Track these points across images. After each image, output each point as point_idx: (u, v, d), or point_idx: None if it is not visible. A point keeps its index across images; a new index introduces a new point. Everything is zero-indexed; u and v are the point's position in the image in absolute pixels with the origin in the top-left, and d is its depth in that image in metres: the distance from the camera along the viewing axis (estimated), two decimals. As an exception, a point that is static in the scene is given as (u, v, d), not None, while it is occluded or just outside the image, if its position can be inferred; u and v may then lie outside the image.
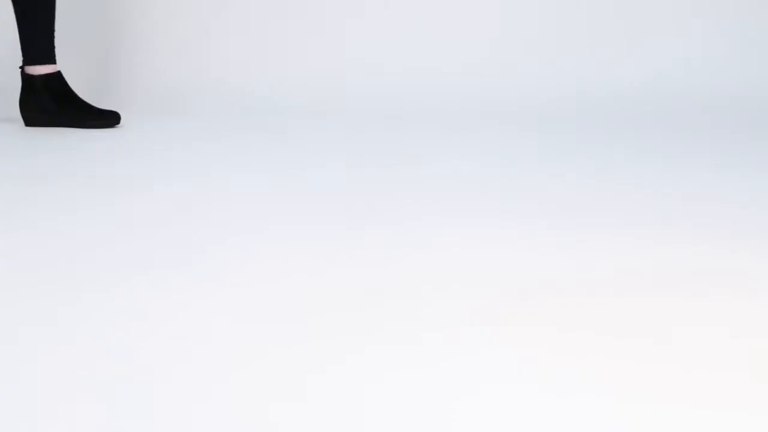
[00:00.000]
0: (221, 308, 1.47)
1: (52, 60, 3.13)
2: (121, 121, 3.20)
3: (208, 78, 3.60)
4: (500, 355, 1.30)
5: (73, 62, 3.62)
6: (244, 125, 3.12)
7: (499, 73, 3.61)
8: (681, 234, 1.90)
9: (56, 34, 3.64)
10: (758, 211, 2.09)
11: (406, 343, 1.34)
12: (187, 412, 1.12)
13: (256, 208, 2.04)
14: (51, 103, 3.12)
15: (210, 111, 3.39)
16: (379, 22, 3.86)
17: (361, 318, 1.42)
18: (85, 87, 3.59)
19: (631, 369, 1.26)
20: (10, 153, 2.63)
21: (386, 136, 2.98)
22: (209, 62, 3.65)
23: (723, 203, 2.14)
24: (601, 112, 3.39)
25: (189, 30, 3.70)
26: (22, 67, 3.16)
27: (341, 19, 3.83)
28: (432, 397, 1.17)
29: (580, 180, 2.37)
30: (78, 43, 3.67)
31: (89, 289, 1.54)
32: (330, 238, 1.83)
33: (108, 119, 3.12)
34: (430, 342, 1.34)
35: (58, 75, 3.14)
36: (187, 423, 1.09)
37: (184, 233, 1.85)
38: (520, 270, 1.66)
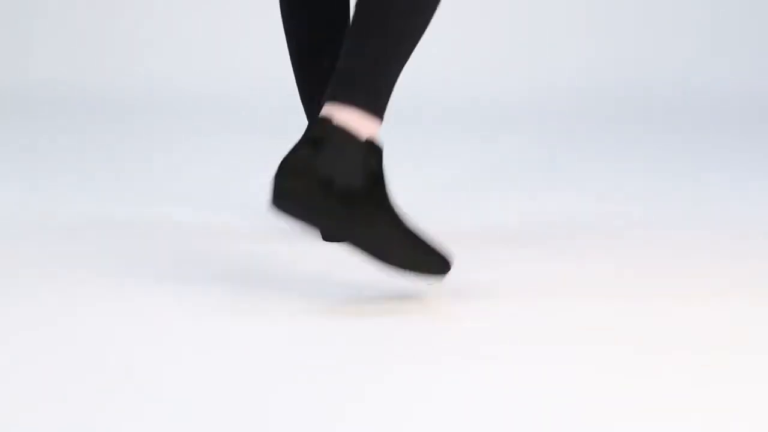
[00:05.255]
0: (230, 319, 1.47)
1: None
2: None
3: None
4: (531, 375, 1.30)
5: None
6: (243, 126, 3.12)
7: (495, 72, 3.61)
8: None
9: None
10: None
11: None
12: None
13: (258, 211, 2.04)
14: None
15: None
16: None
17: (372, 325, 1.42)
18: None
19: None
20: None
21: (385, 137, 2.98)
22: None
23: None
24: (597, 113, 3.40)
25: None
26: None
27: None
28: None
29: (582, 185, 2.37)
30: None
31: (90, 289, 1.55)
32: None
33: None
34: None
35: None
36: None
37: (184, 236, 1.86)
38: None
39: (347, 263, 1.67)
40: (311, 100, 1.74)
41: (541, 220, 1.99)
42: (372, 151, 1.42)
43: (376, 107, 1.44)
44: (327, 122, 1.42)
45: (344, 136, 1.41)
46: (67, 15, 3.65)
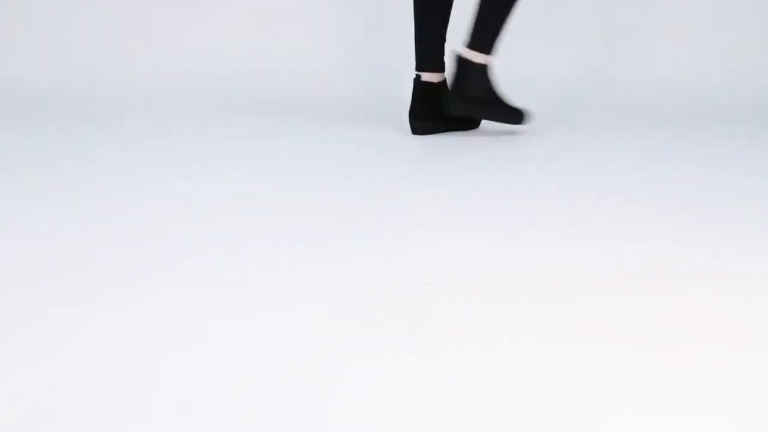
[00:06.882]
0: (227, 314, 1.48)
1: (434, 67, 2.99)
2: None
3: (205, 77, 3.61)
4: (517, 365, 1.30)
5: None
6: (239, 125, 3.12)
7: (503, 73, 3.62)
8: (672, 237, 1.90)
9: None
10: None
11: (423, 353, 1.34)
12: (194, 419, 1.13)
13: (260, 211, 2.04)
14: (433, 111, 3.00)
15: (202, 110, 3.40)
16: (377, 23, 3.87)
17: (373, 325, 1.43)
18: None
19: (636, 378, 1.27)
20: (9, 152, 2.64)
21: (388, 139, 2.99)
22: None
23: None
24: (599, 114, 3.40)
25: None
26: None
27: (335, 22, 3.84)
28: (447, 407, 1.18)
29: (581, 184, 2.37)
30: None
31: (90, 290, 1.55)
32: (334, 241, 1.84)
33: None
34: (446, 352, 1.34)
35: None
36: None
37: (184, 236, 1.86)
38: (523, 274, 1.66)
39: (346, 257, 1.67)
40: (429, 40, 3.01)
41: (541, 216, 1.99)
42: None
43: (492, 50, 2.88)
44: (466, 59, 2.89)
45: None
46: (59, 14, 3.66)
